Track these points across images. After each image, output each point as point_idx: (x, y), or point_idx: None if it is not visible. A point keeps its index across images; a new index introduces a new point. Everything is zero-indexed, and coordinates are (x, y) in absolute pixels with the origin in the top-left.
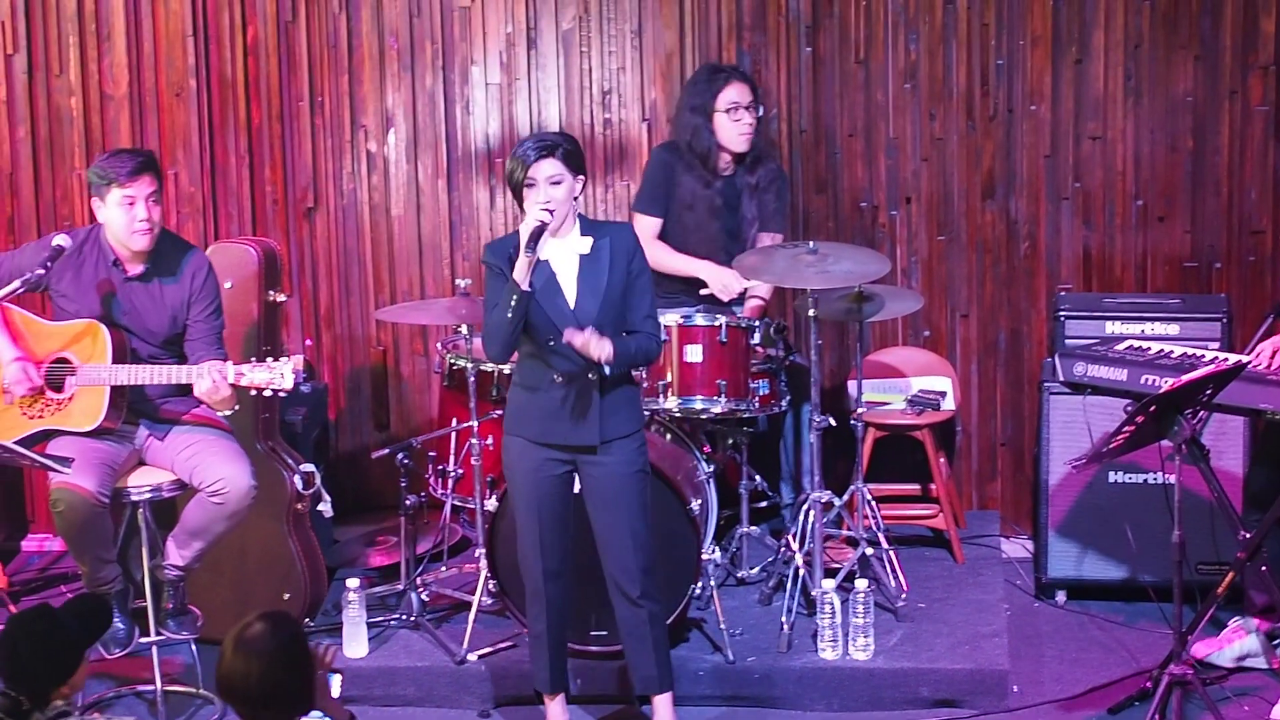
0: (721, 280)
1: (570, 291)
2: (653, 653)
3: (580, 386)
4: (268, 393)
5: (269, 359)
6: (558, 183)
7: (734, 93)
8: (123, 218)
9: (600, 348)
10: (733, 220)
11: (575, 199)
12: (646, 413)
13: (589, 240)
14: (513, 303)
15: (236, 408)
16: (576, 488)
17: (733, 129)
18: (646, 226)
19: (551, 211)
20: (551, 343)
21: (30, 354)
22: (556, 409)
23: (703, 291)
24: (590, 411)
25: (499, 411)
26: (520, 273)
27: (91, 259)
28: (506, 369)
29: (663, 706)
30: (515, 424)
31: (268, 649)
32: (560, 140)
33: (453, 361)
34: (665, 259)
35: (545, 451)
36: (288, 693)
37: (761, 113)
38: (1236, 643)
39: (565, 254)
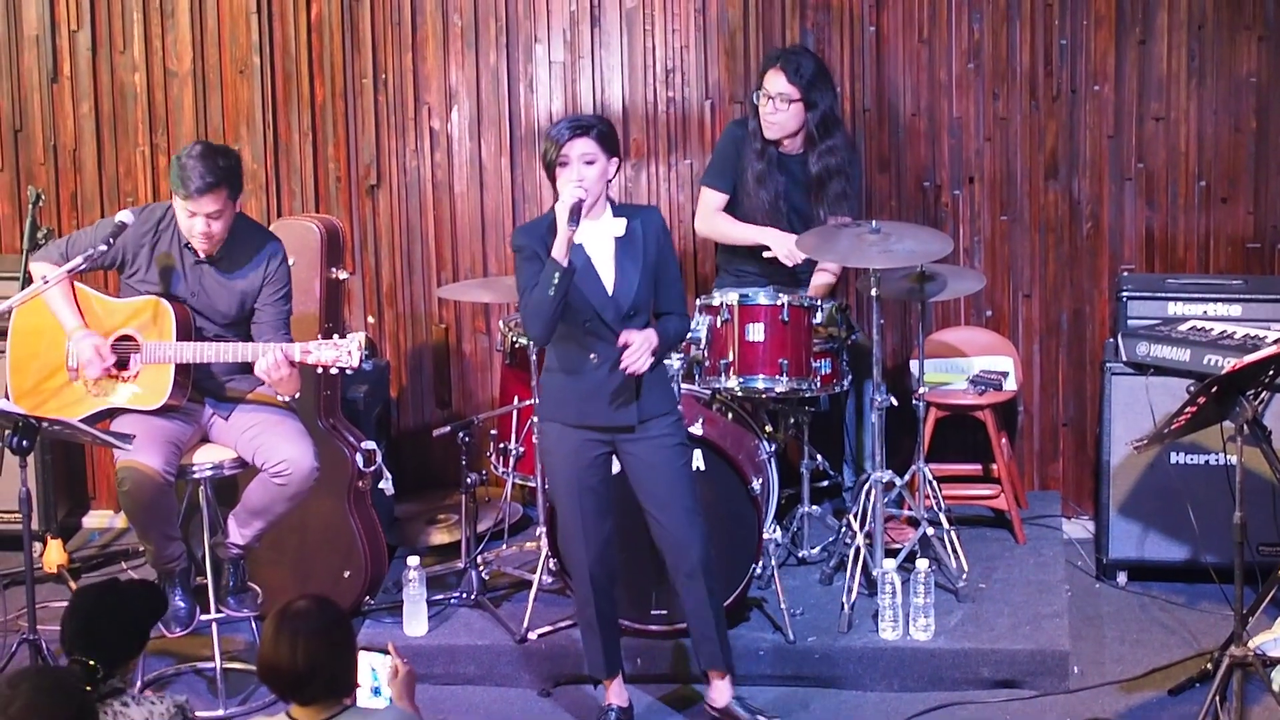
0: (786, 245)
1: (608, 274)
2: (715, 629)
3: (616, 367)
4: (334, 370)
5: (334, 336)
6: (591, 162)
7: (768, 80)
8: (184, 222)
9: (644, 360)
10: (800, 199)
11: (608, 181)
12: (708, 390)
13: (622, 221)
14: (555, 280)
15: (298, 395)
16: (615, 468)
17: (764, 115)
18: (712, 200)
19: (586, 189)
20: (588, 324)
21: (95, 331)
22: (594, 391)
23: (766, 255)
24: (627, 392)
25: None
26: (560, 249)
27: (166, 236)
28: None
29: (720, 685)
30: (551, 408)
31: (311, 629)
32: (595, 121)
33: (514, 340)
34: (729, 229)
35: (583, 434)
36: (330, 674)
37: (803, 106)
38: None
39: (600, 236)
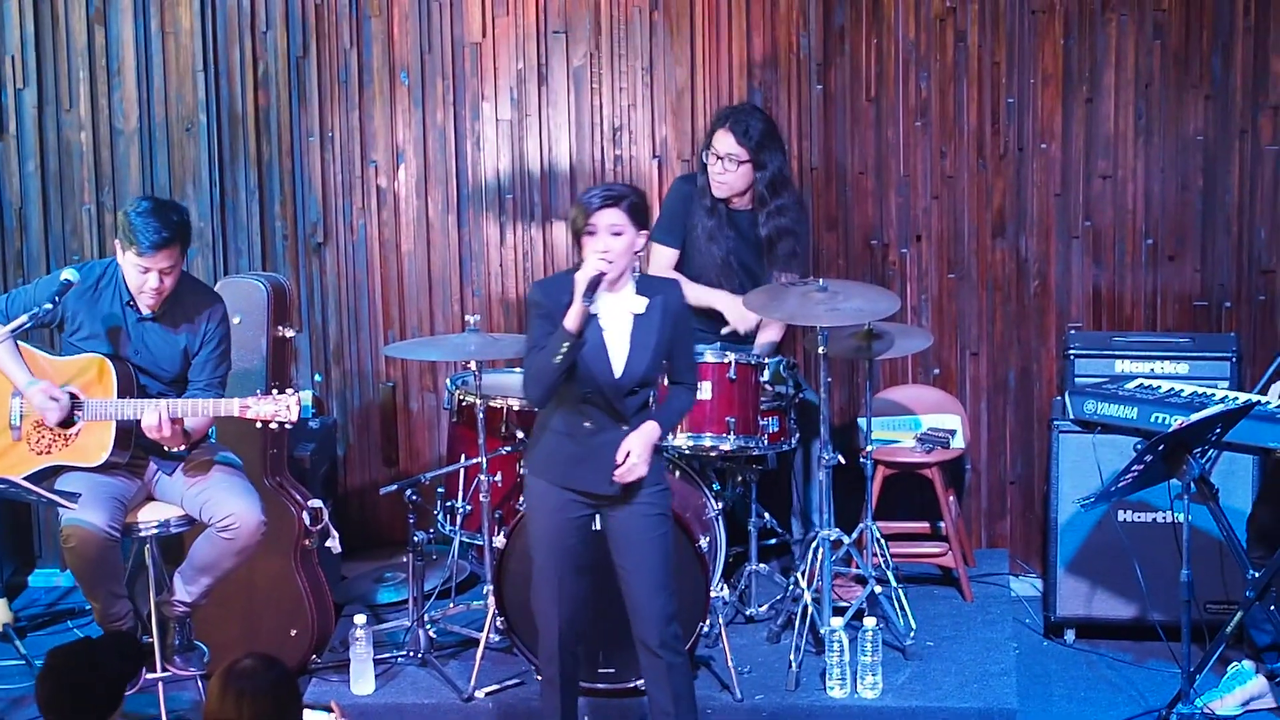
0: (739, 312)
1: (619, 352)
2: (672, 704)
3: (610, 436)
4: (274, 425)
5: (274, 392)
6: (619, 233)
7: (717, 140)
8: (134, 278)
9: (639, 469)
10: (750, 257)
11: (636, 254)
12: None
13: (644, 301)
14: (563, 349)
15: (183, 448)
16: (596, 525)
17: (713, 175)
18: (663, 256)
19: (610, 261)
20: (589, 394)
21: None
22: (585, 456)
23: (724, 330)
24: (614, 461)
25: (508, 448)
26: (573, 320)
27: (108, 294)
28: (516, 405)
29: None
30: (540, 465)
31: (256, 687)
32: (627, 193)
33: (461, 398)
34: (683, 290)
35: (568, 495)
36: None
37: (752, 166)
38: (1239, 690)
39: (619, 312)
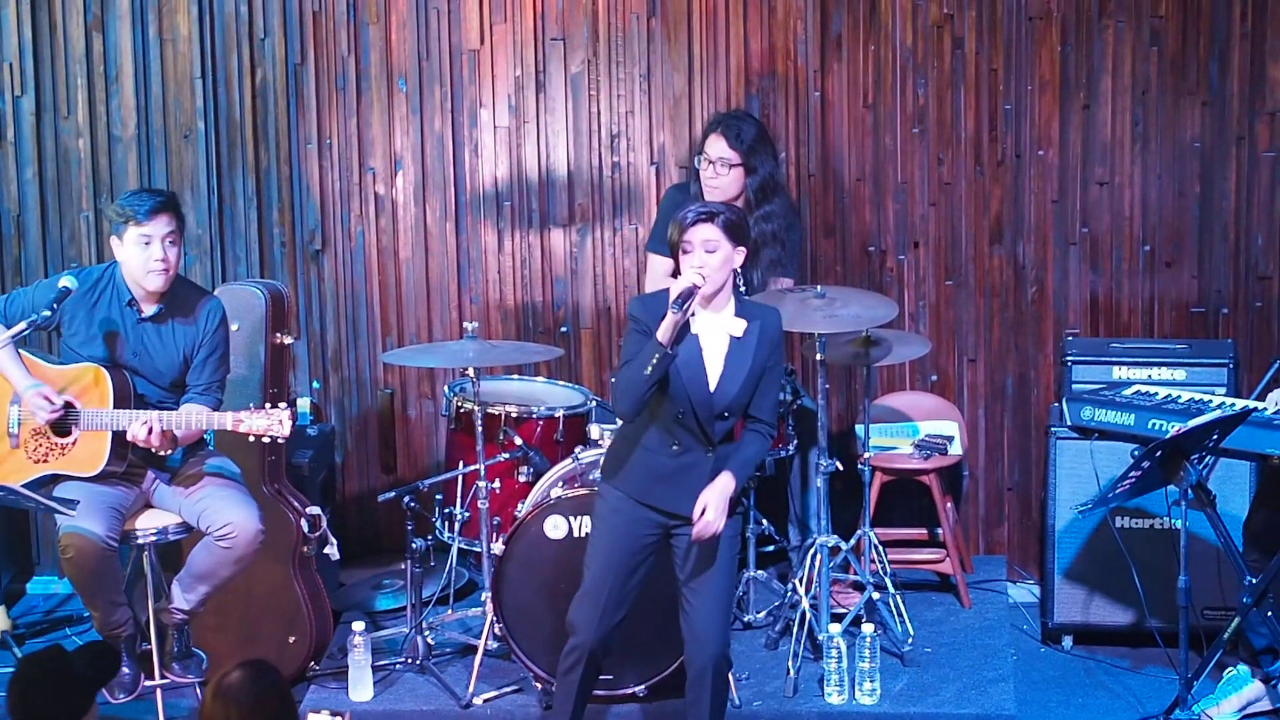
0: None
1: (715, 373)
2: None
3: (694, 458)
4: (265, 439)
5: (269, 404)
6: (713, 250)
7: (709, 145)
8: (139, 256)
9: (716, 524)
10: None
11: (734, 270)
12: None
13: (742, 324)
14: (654, 360)
15: (170, 451)
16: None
17: (705, 180)
18: (659, 266)
19: (705, 276)
20: (681, 414)
21: None
22: (667, 475)
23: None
24: (697, 483)
25: (505, 455)
26: (665, 332)
27: (106, 297)
28: (514, 411)
29: None
30: (619, 475)
31: (248, 697)
32: (723, 209)
33: (460, 405)
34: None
35: (643, 511)
36: None
37: (743, 170)
38: (1235, 696)
39: (717, 332)
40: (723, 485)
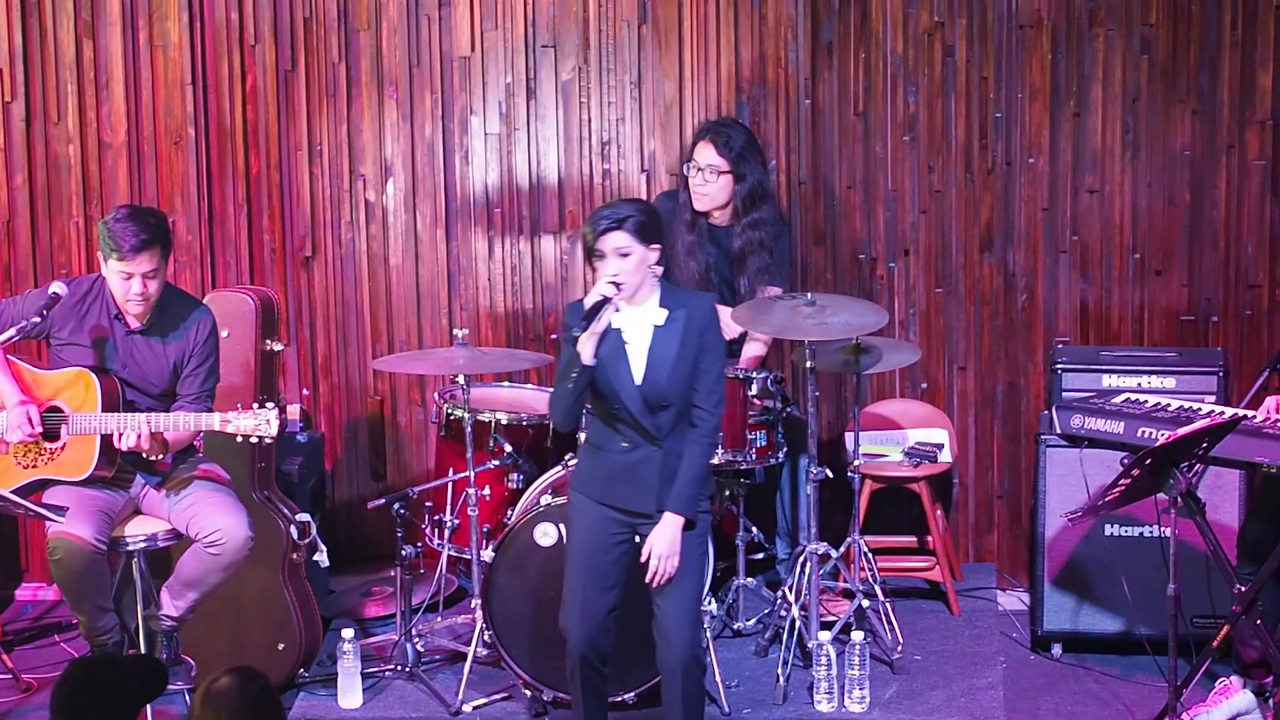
0: (726, 326)
1: (639, 365)
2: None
3: (645, 454)
4: (254, 439)
5: (255, 406)
6: (626, 254)
7: (698, 152)
8: (119, 287)
9: (668, 565)
10: (727, 271)
11: (651, 266)
12: None
13: (665, 312)
14: (574, 374)
15: (160, 455)
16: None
17: (694, 187)
18: None
19: (619, 285)
20: (616, 409)
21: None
22: (621, 473)
23: None
24: (651, 480)
25: (495, 462)
26: (583, 347)
27: (95, 308)
28: (504, 419)
29: None
30: (580, 480)
31: (237, 704)
32: (632, 212)
33: (450, 412)
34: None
35: (605, 511)
36: None
37: (732, 178)
38: (1226, 703)
39: (639, 324)
40: (667, 526)
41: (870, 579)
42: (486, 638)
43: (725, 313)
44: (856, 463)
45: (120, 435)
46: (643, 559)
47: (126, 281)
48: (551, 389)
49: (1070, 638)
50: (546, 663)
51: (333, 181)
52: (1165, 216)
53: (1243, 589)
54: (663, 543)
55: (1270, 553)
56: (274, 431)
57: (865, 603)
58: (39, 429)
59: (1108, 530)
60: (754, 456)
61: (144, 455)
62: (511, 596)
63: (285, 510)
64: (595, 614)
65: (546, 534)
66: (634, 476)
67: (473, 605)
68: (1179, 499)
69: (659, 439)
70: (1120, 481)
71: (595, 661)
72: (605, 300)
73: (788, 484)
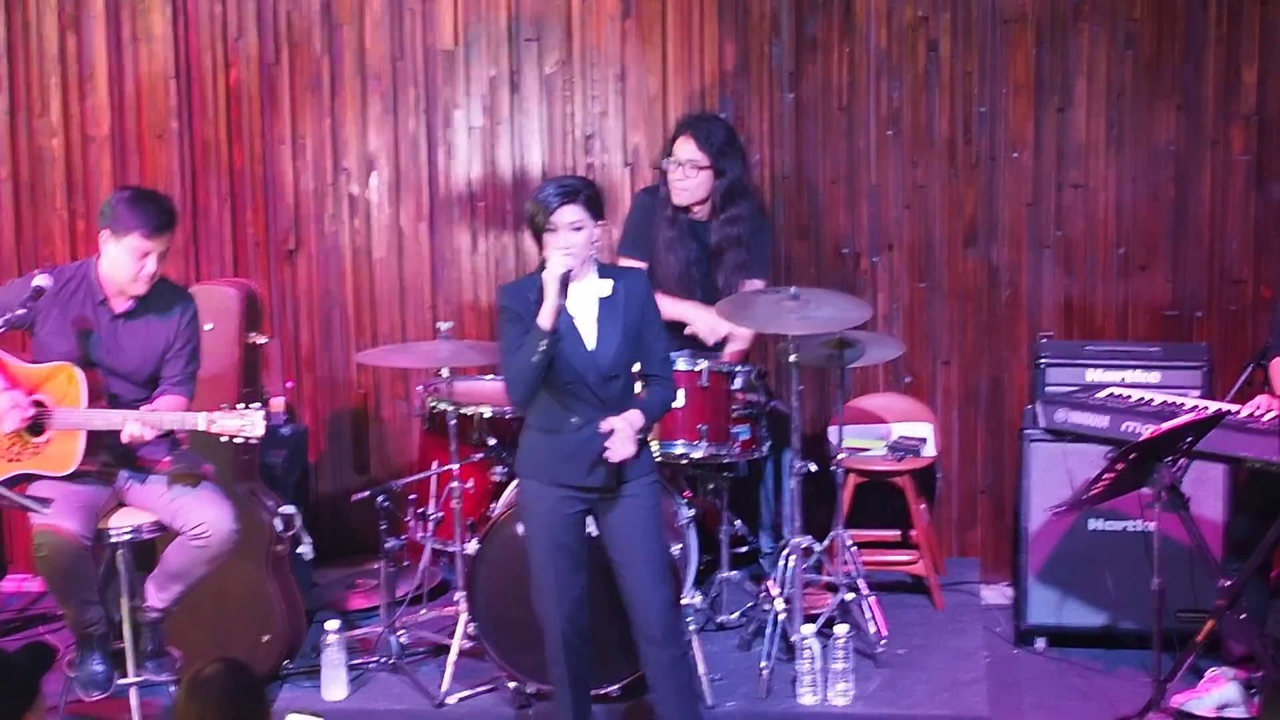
0: (708, 323)
1: (590, 334)
2: (675, 696)
3: (595, 430)
4: (239, 440)
5: (242, 404)
6: (579, 228)
7: (678, 147)
8: (130, 266)
9: (626, 447)
10: (709, 265)
11: (594, 244)
12: None
13: (608, 283)
14: (541, 347)
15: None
16: (591, 529)
17: (673, 182)
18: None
19: (575, 256)
20: (570, 384)
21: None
22: (573, 452)
23: (686, 331)
24: (602, 453)
25: (479, 455)
26: (547, 318)
27: (79, 296)
28: (488, 412)
29: None
30: (529, 466)
31: (221, 695)
32: (581, 186)
33: (433, 405)
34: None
35: (560, 491)
36: None
37: (712, 173)
38: (1215, 691)
39: (584, 297)
40: (629, 415)
41: (854, 573)
42: (470, 630)
43: (711, 313)
44: (840, 456)
45: (124, 430)
46: (602, 429)
47: (141, 260)
48: (501, 371)
49: (1054, 632)
50: (530, 655)
51: (316, 175)
52: (1149, 212)
53: (1227, 584)
54: (621, 422)
55: (1255, 548)
56: (259, 432)
57: (849, 596)
58: (31, 412)
59: (1091, 525)
60: (738, 450)
61: (135, 452)
62: (495, 589)
63: (269, 503)
64: (572, 592)
65: None
66: (586, 453)
67: (456, 598)
68: (1163, 494)
69: (613, 409)
70: (1104, 476)
71: (577, 641)
72: (569, 272)
73: (771, 478)
